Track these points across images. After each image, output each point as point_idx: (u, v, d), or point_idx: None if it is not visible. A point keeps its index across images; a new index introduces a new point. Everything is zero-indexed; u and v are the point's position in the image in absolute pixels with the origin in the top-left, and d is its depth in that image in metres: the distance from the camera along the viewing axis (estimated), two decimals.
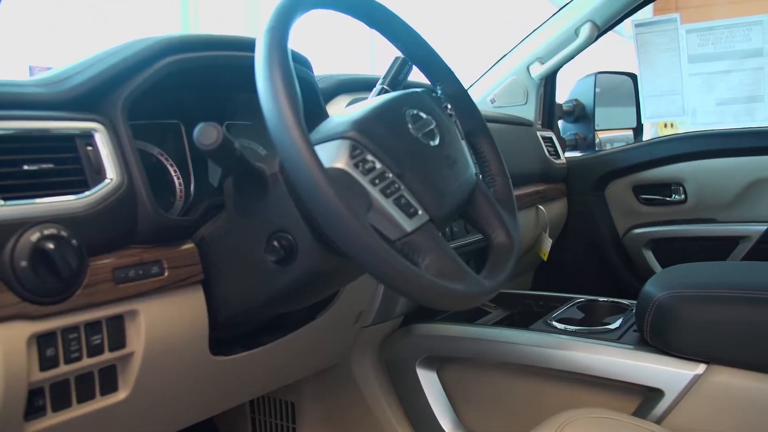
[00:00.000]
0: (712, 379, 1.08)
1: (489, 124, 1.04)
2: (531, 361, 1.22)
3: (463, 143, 0.97)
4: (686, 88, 2.18)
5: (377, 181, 0.77)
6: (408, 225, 0.78)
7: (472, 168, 0.96)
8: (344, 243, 0.71)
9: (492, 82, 2.15)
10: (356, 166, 0.77)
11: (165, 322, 0.83)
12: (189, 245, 0.86)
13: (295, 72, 0.75)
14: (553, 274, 2.20)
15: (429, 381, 1.31)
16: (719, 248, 2.04)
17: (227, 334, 0.99)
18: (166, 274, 0.82)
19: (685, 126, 2.22)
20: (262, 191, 0.83)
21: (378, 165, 0.78)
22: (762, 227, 1.99)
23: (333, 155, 0.77)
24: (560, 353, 1.19)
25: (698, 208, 2.08)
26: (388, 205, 0.77)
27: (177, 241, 0.85)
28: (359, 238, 0.70)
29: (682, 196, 2.10)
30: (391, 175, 0.79)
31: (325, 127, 0.83)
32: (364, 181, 0.76)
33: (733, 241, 2.03)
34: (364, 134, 0.79)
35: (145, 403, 0.88)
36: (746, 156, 2.00)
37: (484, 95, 2.15)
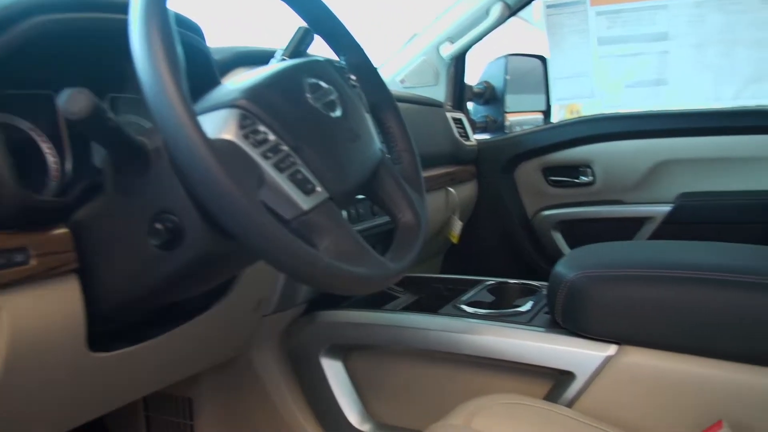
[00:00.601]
0: (623, 360, 1.06)
1: (399, 105, 0.98)
2: (440, 347, 1.17)
3: (368, 117, 0.90)
4: (595, 71, 2.18)
5: (270, 155, 0.70)
6: (305, 203, 0.71)
7: (378, 143, 0.89)
8: (231, 223, 0.64)
9: (402, 62, 2.10)
10: (246, 137, 0.69)
11: (33, 317, 0.74)
12: (62, 230, 0.76)
13: (179, 35, 0.67)
14: (463, 258, 2.18)
15: (334, 371, 1.25)
16: (626, 229, 2.06)
17: (109, 327, 0.89)
18: (32, 262, 0.73)
19: (593, 109, 2.22)
20: (143, 168, 0.74)
21: (271, 136, 0.71)
22: (666, 208, 2.02)
23: (220, 125, 0.69)
24: (470, 338, 1.15)
25: (606, 189, 2.09)
26: (282, 181, 0.70)
27: (47, 226, 0.75)
28: (248, 218, 0.63)
29: (590, 177, 2.10)
30: (286, 147, 0.71)
31: (213, 96, 0.75)
32: (254, 154, 0.69)
33: (639, 222, 2.05)
34: (256, 103, 0.71)
35: (14, 408, 0.79)
36: (652, 138, 2.02)
37: (394, 75, 2.10)
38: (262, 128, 0.70)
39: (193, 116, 0.62)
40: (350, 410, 1.24)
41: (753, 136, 2.00)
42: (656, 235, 2.03)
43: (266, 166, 0.69)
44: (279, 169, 0.70)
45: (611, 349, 1.07)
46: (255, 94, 0.72)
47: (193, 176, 0.63)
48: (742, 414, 1.00)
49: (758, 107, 2.08)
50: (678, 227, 2.01)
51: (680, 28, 2.09)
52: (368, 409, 1.26)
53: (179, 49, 0.66)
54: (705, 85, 2.12)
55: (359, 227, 1.26)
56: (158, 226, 0.73)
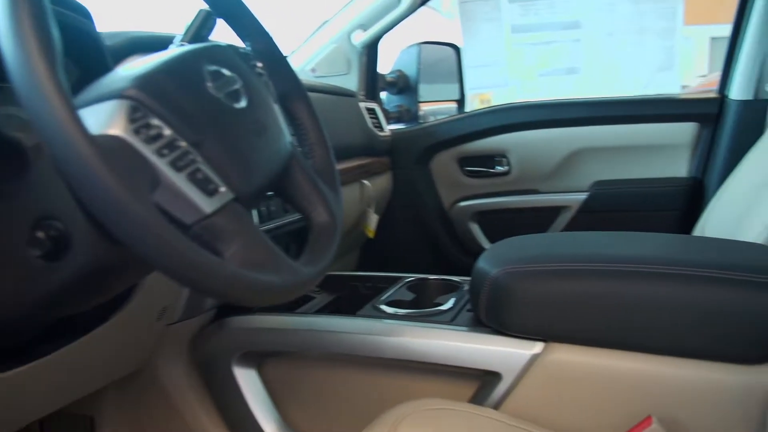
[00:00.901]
0: (549, 358, 1.02)
1: (309, 95, 0.91)
2: (360, 351, 1.11)
3: (276, 108, 0.83)
4: (509, 59, 2.16)
5: (165, 152, 0.61)
6: (207, 205, 0.63)
7: (287, 136, 0.82)
8: (120, 231, 0.55)
9: (313, 50, 2.02)
10: (137, 132, 0.60)
11: None
12: None
13: (58, 17, 0.57)
14: (379, 252, 2.13)
15: (248, 380, 1.17)
16: (542, 218, 2.06)
17: None
18: None
19: (506, 98, 2.21)
20: (20, 167, 0.64)
21: (166, 131, 0.62)
22: (582, 196, 2.03)
23: (105, 119, 0.60)
24: (391, 340, 1.09)
25: (522, 179, 2.08)
26: (180, 182, 0.62)
27: None
28: (139, 224, 0.54)
29: (506, 167, 2.09)
30: (183, 143, 0.63)
31: (98, 85, 0.66)
32: (147, 152, 0.60)
33: (555, 211, 2.05)
34: (149, 93, 0.62)
35: None
36: (566, 127, 2.02)
37: (304, 64, 2.02)
38: (155, 122, 0.62)
39: (71, 109, 0.53)
40: (267, 421, 1.16)
41: (662, 124, 2.03)
42: (573, 224, 2.03)
43: (161, 165, 0.61)
44: (176, 168, 0.62)
45: (537, 347, 1.03)
46: (147, 82, 0.63)
47: (74, 178, 0.54)
48: (671, 408, 0.98)
49: (666, 95, 2.11)
50: (593, 215, 2.02)
51: (592, 17, 2.10)
52: (286, 420, 1.19)
53: (55, 32, 0.56)
54: (616, 73, 2.13)
55: (270, 225, 1.18)
56: (40, 234, 0.64)
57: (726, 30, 2.03)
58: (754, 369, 0.97)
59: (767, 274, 0.98)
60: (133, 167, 0.58)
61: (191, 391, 1.19)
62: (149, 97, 0.62)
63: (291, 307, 1.24)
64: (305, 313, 1.22)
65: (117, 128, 0.59)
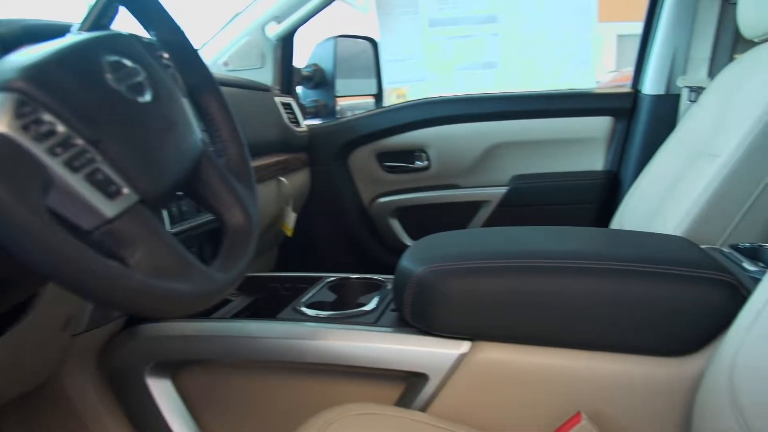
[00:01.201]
0: (477, 357, 1.00)
1: (223, 89, 0.86)
2: (282, 356, 1.06)
3: (185, 102, 0.77)
4: (426, 53, 2.14)
5: (59, 150, 0.55)
6: (108, 209, 0.58)
7: (198, 132, 0.77)
8: (8, 239, 0.49)
9: (225, 43, 1.95)
10: (26, 129, 0.54)
11: None
12: None
13: None
14: (298, 251, 2.08)
15: (162, 391, 1.10)
16: (463, 213, 2.05)
17: None
18: None
19: (423, 92, 2.19)
20: None
21: (60, 128, 0.56)
22: (502, 190, 2.03)
23: None
24: (314, 344, 1.04)
25: (441, 174, 2.07)
26: (77, 184, 0.56)
27: None
28: (25, 231, 0.49)
29: (426, 162, 2.07)
30: (80, 141, 0.57)
31: None
32: (37, 151, 0.54)
33: (475, 206, 2.05)
34: (39, 85, 0.56)
35: None
36: (485, 121, 2.02)
37: (216, 57, 1.94)
38: (47, 117, 0.55)
39: None
40: None
41: (578, 118, 2.05)
42: (493, 218, 2.03)
43: (54, 166, 0.55)
44: (72, 169, 0.56)
45: (464, 347, 1.01)
46: (37, 73, 0.57)
47: None
48: (600, 403, 0.97)
49: (582, 90, 2.14)
50: (513, 209, 2.02)
51: (509, 11, 2.10)
52: (204, 430, 1.13)
53: None
54: (533, 67, 2.14)
55: (183, 227, 1.12)
56: None
57: (633, 27, 2.07)
58: (679, 361, 0.97)
59: (688, 267, 0.98)
60: (19, 168, 0.52)
61: (101, 406, 1.11)
62: (39, 90, 0.56)
63: (206, 312, 1.18)
64: (221, 318, 1.16)
65: (1, 124, 0.53)
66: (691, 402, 0.93)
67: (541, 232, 1.21)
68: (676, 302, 0.96)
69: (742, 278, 0.98)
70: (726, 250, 1.19)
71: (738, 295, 0.94)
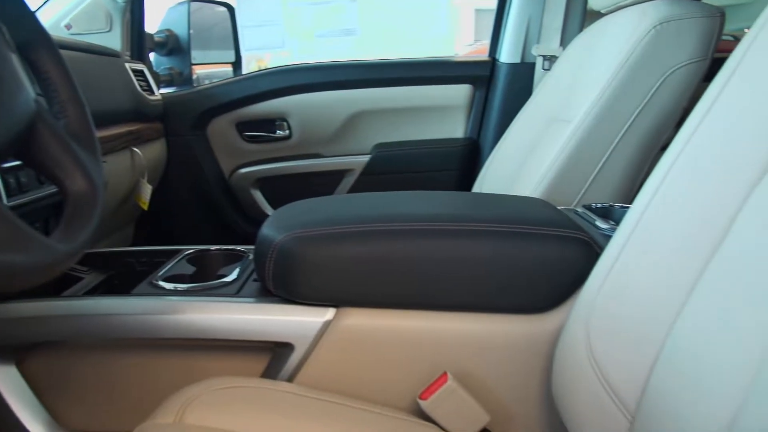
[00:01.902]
0: (342, 324, 0.99)
1: (65, 54, 0.78)
2: (139, 334, 1.00)
3: (15, 57, 0.70)
4: (286, 19, 2.09)
5: None
6: None
7: (30, 92, 0.70)
8: None
9: (66, 3, 1.81)
10: None
11: None
12: None
13: None
14: (156, 226, 1.99)
15: (6, 377, 1.01)
16: (326, 182, 2.04)
17: None
18: None
19: (284, 60, 2.14)
20: None
21: None
22: (364, 159, 2.03)
23: None
24: (172, 318, 0.99)
25: (303, 143, 2.04)
26: None
27: None
28: None
29: (287, 131, 2.04)
30: None
31: None
32: None
33: (339, 175, 2.03)
34: None
35: None
36: (346, 89, 2.00)
37: (56, 19, 1.81)
38: None
39: None
40: (33, 422, 1.01)
41: (439, 86, 2.07)
42: (356, 186, 2.03)
43: None
44: None
45: (329, 314, 0.99)
46: None
47: None
48: (465, 362, 0.98)
49: (442, 58, 2.16)
50: (377, 177, 2.03)
51: None
52: (58, 418, 1.05)
53: None
54: (393, 35, 2.15)
55: (22, 200, 1.03)
56: None
57: (490, 2, 2.11)
58: (539, 317, 1.00)
59: (544, 226, 1.00)
60: None
61: None
62: None
63: (54, 291, 1.10)
64: (70, 296, 1.08)
65: None
66: (551, 356, 0.96)
67: (401, 197, 1.21)
68: (534, 260, 0.98)
69: (595, 236, 1.02)
70: (580, 210, 1.24)
71: (592, 252, 0.97)
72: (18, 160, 0.70)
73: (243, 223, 2.03)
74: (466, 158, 2.07)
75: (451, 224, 0.99)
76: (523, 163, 1.58)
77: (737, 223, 0.70)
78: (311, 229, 1.00)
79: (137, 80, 1.76)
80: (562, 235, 0.99)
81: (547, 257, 0.98)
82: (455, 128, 2.10)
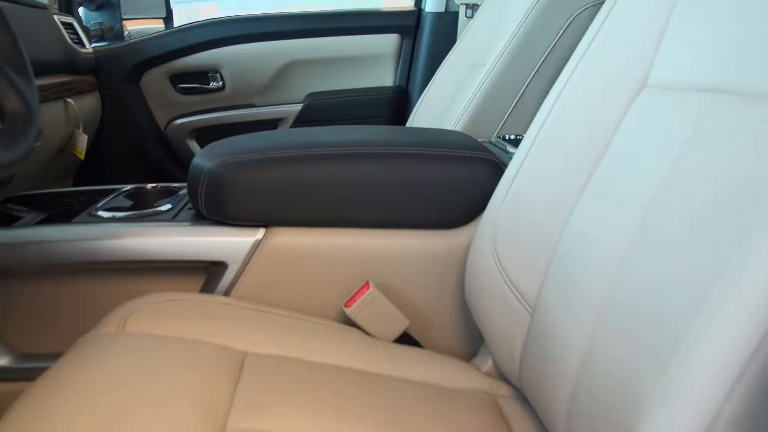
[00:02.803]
0: (271, 242, 1.06)
1: None
2: (80, 258, 1.06)
3: None
4: None
5: None
6: None
7: None
8: None
9: None
10: None
11: None
12: None
13: None
14: (94, 176, 2.02)
15: None
16: (260, 131, 2.09)
17: None
18: None
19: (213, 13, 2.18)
20: None
21: None
22: (297, 107, 2.09)
23: None
24: (111, 243, 1.06)
25: (237, 94, 2.09)
26: None
27: None
28: None
29: (220, 83, 2.08)
30: None
31: None
32: None
33: (272, 124, 2.10)
34: None
35: None
36: (278, 40, 2.05)
37: None
38: None
39: None
40: None
41: (367, 36, 2.14)
42: None
43: None
44: None
45: (259, 233, 1.07)
46: None
47: None
48: (385, 273, 1.07)
49: (369, 8, 2.23)
50: (309, 125, 2.09)
51: None
52: (4, 341, 1.11)
53: None
54: None
55: None
56: None
57: None
58: (452, 232, 1.09)
59: (458, 149, 1.10)
60: None
61: None
62: None
63: None
64: (13, 227, 1.14)
65: None
66: (464, 265, 1.06)
67: (328, 129, 1.29)
68: (446, 180, 1.07)
69: (504, 158, 1.11)
70: (494, 140, 1.33)
71: (500, 172, 1.06)
72: None
73: (179, 173, 2.08)
74: (396, 105, 2.15)
75: (367, 148, 1.08)
76: (447, 108, 1.66)
77: (615, 137, 0.80)
78: (240, 155, 1.07)
79: (67, 33, 1.78)
80: (471, 157, 1.08)
81: (458, 177, 1.08)
82: (385, 77, 2.18)
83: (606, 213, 0.74)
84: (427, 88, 1.85)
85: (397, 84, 2.18)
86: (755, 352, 0.43)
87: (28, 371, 1.11)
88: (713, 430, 0.43)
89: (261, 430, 0.72)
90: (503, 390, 0.96)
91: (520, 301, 0.87)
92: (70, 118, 1.71)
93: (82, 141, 1.75)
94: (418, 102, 1.86)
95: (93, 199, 1.27)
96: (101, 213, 1.14)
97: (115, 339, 0.86)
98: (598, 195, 0.78)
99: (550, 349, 0.76)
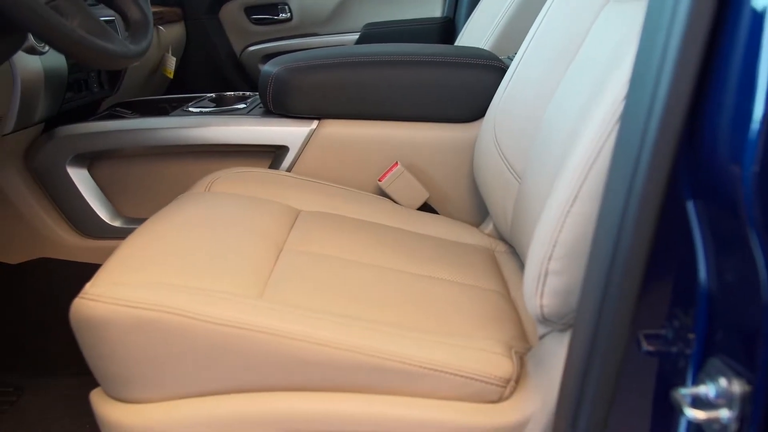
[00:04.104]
0: (323, 131, 1.35)
1: None
2: (173, 142, 1.36)
3: None
4: None
5: None
6: None
7: None
8: None
9: None
10: None
11: None
12: None
13: None
14: (182, 93, 2.34)
15: (81, 178, 1.39)
16: None
17: None
18: None
19: None
20: None
21: None
22: (354, 36, 2.36)
23: None
24: (199, 130, 1.36)
25: (302, 24, 2.37)
26: None
27: None
28: None
29: (288, 14, 2.36)
30: None
31: None
32: None
33: None
34: None
35: None
36: None
37: None
38: None
39: None
40: (101, 210, 1.39)
41: None
42: None
43: None
44: None
45: (314, 124, 1.35)
46: None
47: None
48: (412, 157, 1.35)
49: None
50: None
51: None
52: (117, 208, 1.43)
53: None
54: None
55: None
56: None
57: None
58: (465, 126, 1.36)
59: (472, 57, 1.35)
60: None
61: (30, 195, 1.38)
62: None
63: (110, 116, 1.46)
64: (123, 117, 1.45)
65: None
66: (473, 150, 1.32)
67: (370, 45, 1.55)
68: (461, 82, 1.33)
69: (509, 65, 1.36)
70: (512, 55, 1.58)
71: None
72: (96, 1, 1.05)
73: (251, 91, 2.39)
74: (443, 34, 2.39)
75: (399, 57, 1.35)
76: (485, 33, 1.90)
77: (581, 48, 1.04)
78: (300, 61, 1.36)
79: None
80: (481, 64, 1.34)
81: (469, 80, 1.34)
82: (434, 8, 2.42)
83: (567, 98, 0.99)
84: (469, 20, 2.08)
85: (445, 15, 2.42)
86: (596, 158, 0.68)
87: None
88: (576, 201, 0.69)
89: (306, 250, 1.01)
90: (500, 246, 1.23)
91: (511, 173, 1.13)
92: (161, 43, 2.01)
93: (171, 62, 2.06)
94: (462, 29, 2.10)
95: (183, 103, 1.58)
96: (191, 109, 1.45)
97: (204, 195, 1.16)
98: (566, 88, 1.03)
99: (527, 209, 1.01)
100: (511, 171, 1.13)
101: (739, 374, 0.46)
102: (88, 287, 0.79)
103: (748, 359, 0.46)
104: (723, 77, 0.45)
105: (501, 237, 1.25)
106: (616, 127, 0.66)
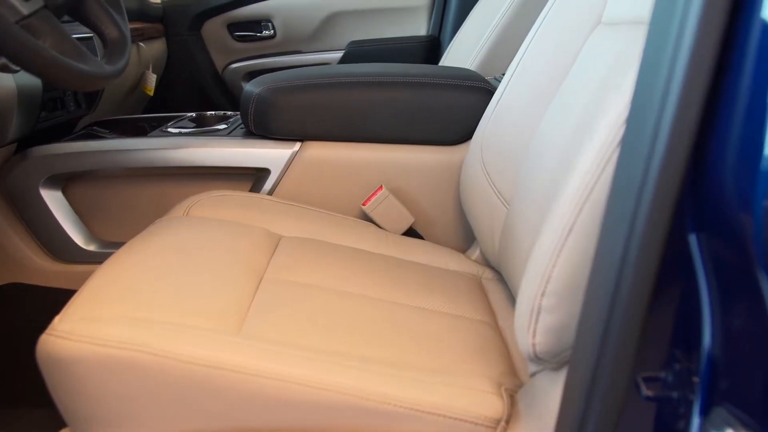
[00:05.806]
0: (305, 153, 1.32)
1: None
2: (151, 163, 1.32)
3: None
4: None
5: None
6: (24, 8, 0.83)
7: None
8: None
9: None
10: None
11: None
12: None
13: None
14: (161, 112, 2.30)
15: (55, 200, 1.34)
16: None
17: None
18: None
19: None
20: None
21: None
22: (339, 54, 2.33)
23: None
24: (179, 152, 1.32)
25: (286, 41, 2.34)
26: None
27: None
28: None
29: (272, 31, 2.33)
30: None
31: None
32: None
33: None
34: None
35: None
36: None
37: None
38: None
39: None
40: (75, 234, 1.35)
41: None
42: None
43: None
44: None
45: (296, 146, 1.32)
46: None
47: None
48: (396, 180, 1.32)
49: None
50: None
51: None
52: (93, 231, 1.39)
53: None
54: None
55: None
56: None
57: None
58: (452, 149, 1.33)
59: (459, 79, 1.32)
60: None
61: (1, 218, 1.33)
62: None
63: (86, 136, 1.42)
64: (102, 137, 1.41)
65: None
66: (459, 174, 1.29)
67: (354, 65, 1.52)
68: (447, 104, 1.30)
69: (496, 87, 1.34)
70: (499, 76, 1.55)
71: (492, 98, 1.29)
72: (73, 18, 1.01)
73: (233, 110, 2.35)
74: (428, 53, 2.37)
75: (383, 78, 1.32)
76: (471, 51, 1.88)
77: (570, 71, 1.02)
78: (282, 82, 1.32)
79: None
80: (468, 86, 1.31)
81: (455, 102, 1.31)
82: (418, 27, 2.40)
83: (557, 121, 0.96)
84: (455, 38, 2.06)
85: (429, 33, 2.40)
86: (592, 188, 0.65)
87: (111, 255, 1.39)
88: (571, 234, 0.66)
89: (288, 279, 0.97)
90: (486, 273, 1.20)
91: (498, 198, 1.10)
92: (142, 60, 1.98)
93: (152, 80, 2.02)
94: (448, 48, 2.08)
95: (162, 122, 1.54)
96: (170, 129, 1.41)
97: (182, 220, 1.12)
98: (555, 114, 1.00)
99: (515, 235, 0.98)
100: (499, 196, 1.11)
101: (747, 426, 0.43)
102: (56, 322, 0.75)
103: (757, 410, 0.43)
104: (732, 102, 0.42)
105: (488, 263, 1.22)
106: (615, 154, 0.63)
